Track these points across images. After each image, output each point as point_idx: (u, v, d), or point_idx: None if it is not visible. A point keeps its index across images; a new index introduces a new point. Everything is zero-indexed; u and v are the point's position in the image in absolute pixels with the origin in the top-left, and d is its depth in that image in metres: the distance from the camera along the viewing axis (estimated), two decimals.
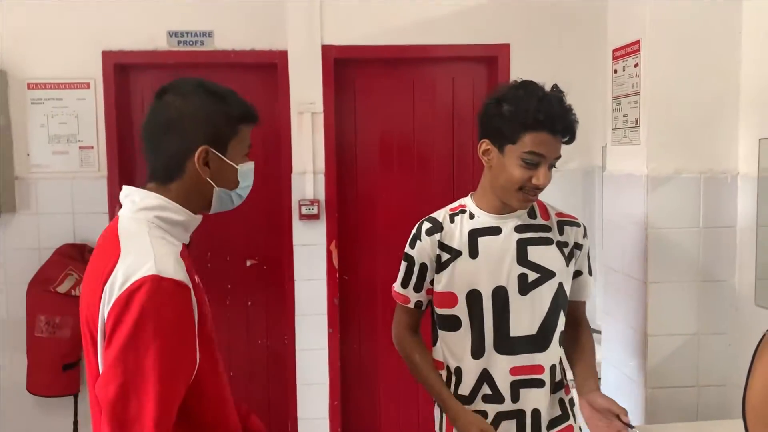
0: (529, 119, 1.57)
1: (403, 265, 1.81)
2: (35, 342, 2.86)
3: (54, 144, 2.99)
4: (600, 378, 2.64)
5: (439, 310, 1.76)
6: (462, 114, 3.22)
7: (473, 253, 1.70)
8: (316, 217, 3.07)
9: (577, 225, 1.78)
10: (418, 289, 1.79)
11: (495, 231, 1.71)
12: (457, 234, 1.73)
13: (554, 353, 1.73)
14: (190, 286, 1.20)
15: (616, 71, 2.42)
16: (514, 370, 1.68)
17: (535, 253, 1.69)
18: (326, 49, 3.03)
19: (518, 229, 1.71)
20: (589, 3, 2.95)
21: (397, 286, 1.85)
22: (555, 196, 3.03)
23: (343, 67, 3.12)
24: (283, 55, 3.02)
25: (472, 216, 1.74)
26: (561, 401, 1.75)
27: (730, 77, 2.23)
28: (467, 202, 1.77)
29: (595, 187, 3.17)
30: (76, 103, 2.99)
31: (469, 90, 3.24)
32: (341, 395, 3.21)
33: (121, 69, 3.05)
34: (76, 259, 2.90)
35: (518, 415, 1.70)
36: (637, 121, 2.28)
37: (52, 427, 3.01)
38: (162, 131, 1.31)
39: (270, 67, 3.07)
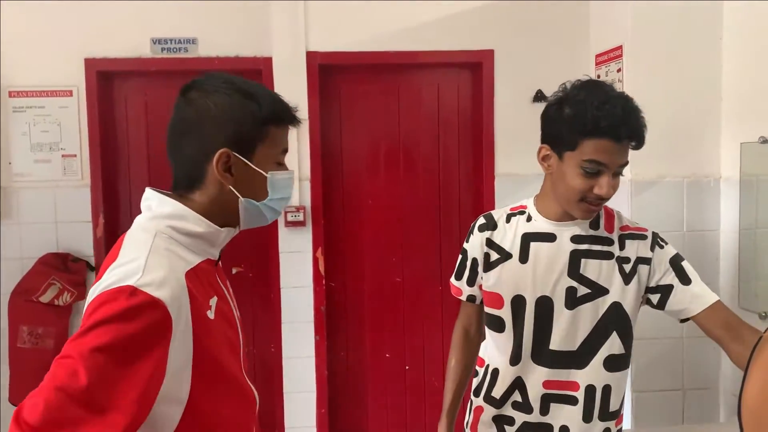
0: (589, 125, 1.45)
1: (459, 257, 1.77)
2: (18, 353, 2.82)
3: (36, 152, 2.96)
4: None
5: (487, 309, 1.71)
6: (447, 120, 3.23)
7: (523, 257, 1.62)
8: (302, 224, 3.06)
9: (642, 237, 1.62)
10: (471, 283, 1.75)
11: (550, 238, 1.61)
12: (510, 235, 1.66)
13: (595, 375, 1.61)
14: (177, 306, 1.05)
15: (599, 76, 2.44)
16: (547, 384, 1.62)
17: (589, 267, 1.58)
18: (311, 56, 3.02)
19: (575, 239, 1.60)
20: (572, 9, 2.97)
21: (452, 278, 1.81)
22: None
23: (329, 73, 3.12)
24: (267, 61, 3.01)
25: (529, 219, 1.65)
26: (606, 430, 1.63)
27: (712, 82, 2.26)
28: (529, 203, 1.68)
29: None
30: (58, 111, 2.96)
31: (454, 96, 3.25)
32: (329, 403, 3.20)
33: (104, 76, 3.03)
34: (58, 268, 2.87)
35: (545, 428, 1.63)
36: None
37: None
38: (182, 132, 1.19)
39: (254, 74, 3.05)
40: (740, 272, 2.19)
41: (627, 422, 2.35)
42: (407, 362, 3.28)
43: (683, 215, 2.27)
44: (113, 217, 3.09)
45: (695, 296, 1.57)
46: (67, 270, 2.89)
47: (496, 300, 1.66)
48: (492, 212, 1.73)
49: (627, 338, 1.61)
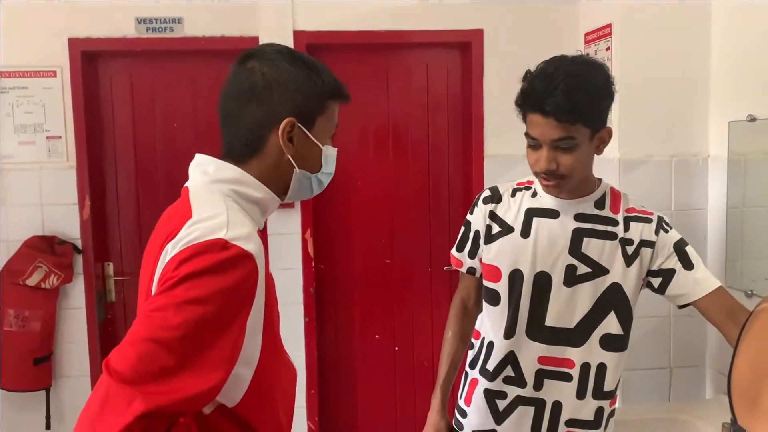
0: (521, 98, 1.49)
1: (462, 229, 1.77)
2: (4, 336, 2.80)
3: (20, 134, 2.92)
4: None
5: (485, 282, 1.71)
6: (436, 100, 3.21)
7: (525, 232, 1.62)
8: (290, 205, 3.04)
9: (647, 221, 1.61)
10: (472, 255, 1.75)
11: (553, 214, 1.61)
12: (514, 209, 1.66)
13: (591, 353, 1.61)
14: (260, 261, 1.05)
15: (587, 55, 2.43)
16: (542, 359, 1.63)
17: (590, 246, 1.58)
18: (298, 35, 2.99)
19: (578, 217, 1.60)
20: None
21: (453, 250, 1.81)
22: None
23: (316, 53, 3.08)
24: (254, 41, 2.97)
25: (534, 194, 1.65)
26: (599, 409, 1.65)
27: (701, 61, 2.25)
28: (535, 179, 1.67)
29: None
30: (42, 92, 2.92)
31: (444, 76, 3.23)
32: (318, 384, 3.20)
33: (89, 57, 2.99)
34: (45, 251, 2.85)
35: (537, 403, 1.65)
36: None
37: (24, 422, 2.95)
38: (245, 99, 1.17)
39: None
40: (727, 251, 2.20)
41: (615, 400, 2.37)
42: (397, 343, 3.29)
43: (671, 194, 2.27)
44: (99, 199, 3.07)
45: (697, 282, 1.57)
46: (53, 253, 2.87)
47: (494, 273, 1.66)
48: (498, 185, 1.73)
49: (626, 319, 1.61)
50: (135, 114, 3.09)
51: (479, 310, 1.81)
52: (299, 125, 1.18)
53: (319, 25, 3.00)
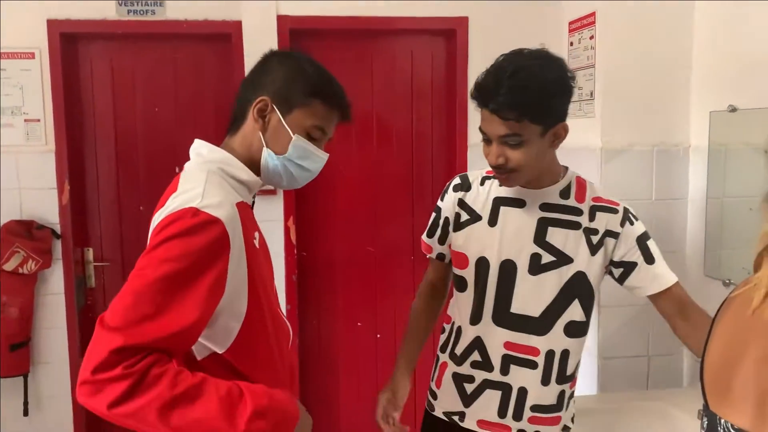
0: (472, 93, 1.51)
1: (433, 215, 1.80)
2: None
3: None
4: None
5: (453, 269, 1.75)
6: (421, 88, 3.20)
7: (493, 220, 1.65)
8: (272, 192, 3.02)
9: (613, 211, 1.62)
10: (441, 241, 1.78)
11: (519, 203, 1.63)
12: (482, 198, 1.68)
13: (557, 341, 1.64)
14: (233, 227, 1.19)
15: (572, 44, 2.42)
16: (508, 345, 1.66)
17: (554, 235, 1.60)
18: (282, 20, 2.96)
19: (544, 207, 1.61)
20: None
21: (424, 235, 1.84)
22: None
23: (300, 38, 3.06)
24: (237, 25, 2.94)
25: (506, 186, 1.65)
26: (561, 393, 1.69)
27: (683, 51, 2.26)
28: None
29: None
30: (20, 74, 2.87)
31: (428, 63, 3.21)
32: (300, 372, 3.20)
33: (68, 38, 2.94)
34: (22, 236, 2.81)
35: (504, 387, 1.68)
36: (591, 93, 2.29)
37: (2, 408, 2.93)
38: (245, 82, 1.39)
39: (224, 38, 2.99)
40: (706, 241, 2.21)
41: (593, 388, 2.39)
42: (379, 331, 3.29)
43: (652, 183, 2.28)
44: (79, 183, 3.03)
45: (656, 276, 1.61)
46: (31, 238, 2.83)
47: (462, 260, 1.69)
48: (468, 173, 1.76)
49: (588, 306, 1.65)
50: (115, 97, 3.05)
51: (446, 293, 1.85)
52: (273, 106, 1.32)
53: (304, 10, 2.98)
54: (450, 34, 3.11)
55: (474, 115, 3.05)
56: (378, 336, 3.29)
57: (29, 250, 2.79)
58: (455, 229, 1.71)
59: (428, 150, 3.20)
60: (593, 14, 2.26)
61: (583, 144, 2.36)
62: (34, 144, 2.90)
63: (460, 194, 1.72)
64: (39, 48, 2.87)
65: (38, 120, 2.90)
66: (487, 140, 1.52)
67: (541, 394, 1.66)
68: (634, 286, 1.64)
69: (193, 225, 1.14)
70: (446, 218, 1.75)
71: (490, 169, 1.67)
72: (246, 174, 1.33)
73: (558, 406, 1.69)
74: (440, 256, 1.81)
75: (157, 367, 1.06)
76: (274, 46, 2.94)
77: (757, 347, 0.92)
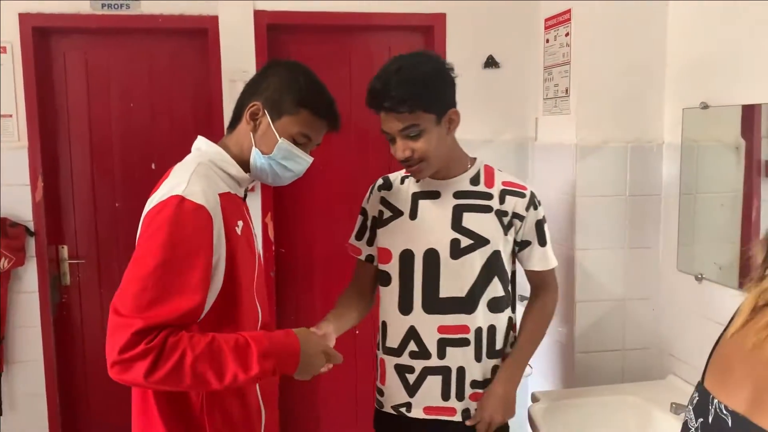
0: (366, 101, 1.67)
1: (360, 218, 1.91)
2: None
3: None
4: None
5: (379, 265, 1.85)
6: None
7: (413, 214, 1.77)
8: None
9: (521, 195, 1.78)
10: (370, 242, 1.89)
11: (434, 195, 1.76)
12: (403, 195, 1.81)
13: (482, 317, 1.78)
14: (214, 212, 1.33)
15: (548, 41, 2.44)
16: (441, 329, 1.77)
17: (470, 220, 1.73)
18: (259, 15, 2.94)
19: (457, 195, 1.75)
20: None
21: (352, 238, 1.93)
22: None
23: (277, 33, 3.04)
24: (213, 20, 2.92)
25: (419, 179, 1.78)
26: (495, 367, 1.82)
27: (656, 48, 2.28)
28: None
29: (528, 159, 3.20)
30: None
31: None
32: None
33: (41, 33, 2.89)
34: None
35: (444, 371, 1.78)
36: (567, 90, 2.31)
37: None
38: (247, 86, 1.54)
39: (200, 33, 2.96)
40: (679, 236, 2.24)
41: (570, 382, 2.41)
42: (357, 327, 3.28)
43: (626, 180, 2.31)
44: (53, 180, 2.99)
45: (539, 258, 1.83)
46: (5, 235, 2.79)
47: (386, 255, 1.81)
48: (389, 174, 1.90)
49: (506, 282, 1.81)
50: (90, 93, 3.01)
51: (372, 298, 1.95)
52: (265, 111, 1.48)
53: (281, 5, 2.96)
54: (428, 31, 3.12)
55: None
56: (357, 332, 3.29)
57: (2, 247, 2.75)
58: (380, 226, 1.83)
59: None
60: (569, 12, 2.28)
61: (559, 140, 2.38)
62: (7, 140, 2.85)
63: (383, 193, 1.85)
64: (11, 42, 2.82)
65: (10, 116, 2.85)
66: (392, 139, 1.66)
67: (478, 370, 1.79)
68: (522, 260, 1.85)
69: (179, 212, 1.28)
70: (373, 217, 1.86)
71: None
72: (235, 169, 1.47)
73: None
74: (369, 258, 1.91)
75: (172, 337, 1.24)
76: (251, 42, 2.94)
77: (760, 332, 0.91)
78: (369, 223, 1.88)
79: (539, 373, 2.66)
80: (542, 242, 1.82)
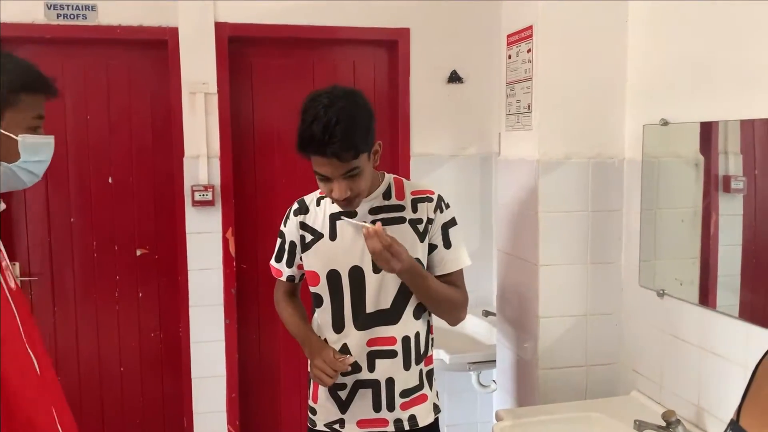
0: (301, 144, 1.63)
1: (278, 240, 1.95)
2: None
3: None
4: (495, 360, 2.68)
5: (309, 287, 1.88)
6: None
7: (333, 235, 1.81)
8: (210, 203, 2.94)
9: (429, 200, 1.83)
10: (289, 264, 1.94)
11: (351, 214, 1.78)
12: (321, 217, 1.84)
13: (409, 326, 1.82)
14: None
15: (510, 57, 2.44)
16: (371, 342, 1.81)
17: (388, 233, 1.73)
18: (220, 27, 2.90)
19: (372, 211, 1.80)
20: None
21: (272, 260, 1.99)
22: (453, 181, 3.05)
23: (239, 45, 3.00)
24: (173, 32, 2.87)
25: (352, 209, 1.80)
26: (420, 372, 1.86)
27: (617, 64, 2.30)
28: None
29: (492, 173, 3.21)
30: None
31: (370, 74, 3.20)
32: (239, 387, 3.12)
33: None
34: None
35: (373, 384, 1.82)
36: (529, 106, 2.31)
37: None
38: None
39: (160, 45, 2.90)
40: (641, 252, 2.25)
41: (534, 399, 2.40)
42: (281, 349, 3.23)
43: (588, 195, 2.31)
44: (5, 195, 2.83)
45: (446, 261, 1.83)
46: None
47: (314, 277, 1.84)
48: (305, 197, 1.92)
49: None
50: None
51: (299, 299, 2.02)
52: None
53: (243, 17, 2.93)
54: (392, 45, 3.11)
55: (417, 125, 3.07)
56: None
57: None
58: (303, 250, 1.86)
59: None
60: (530, 28, 2.28)
61: (521, 156, 2.38)
62: None
63: (300, 218, 1.87)
64: None
65: None
66: (325, 179, 1.66)
67: (406, 378, 1.83)
68: (430, 266, 1.84)
69: None
70: (291, 242, 1.89)
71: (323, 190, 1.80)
72: None
73: (420, 384, 1.86)
74: (290, 278, 1.97)
75: None
76: (212, 54, 2.90)
77: None
78: (287, 246, 1.91)
79: (503, 390, 2.64)
80: (447, 245, 1.84)
